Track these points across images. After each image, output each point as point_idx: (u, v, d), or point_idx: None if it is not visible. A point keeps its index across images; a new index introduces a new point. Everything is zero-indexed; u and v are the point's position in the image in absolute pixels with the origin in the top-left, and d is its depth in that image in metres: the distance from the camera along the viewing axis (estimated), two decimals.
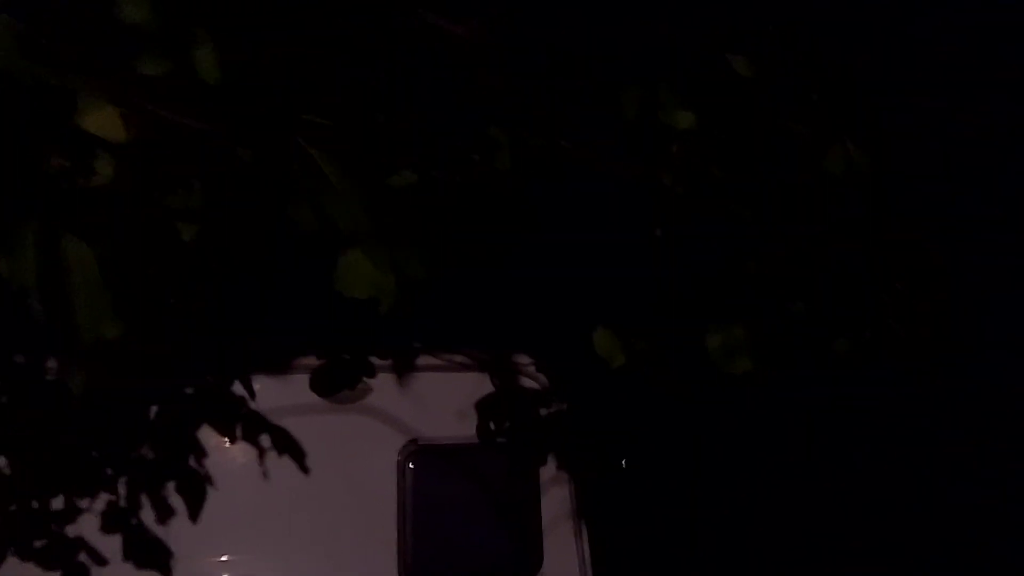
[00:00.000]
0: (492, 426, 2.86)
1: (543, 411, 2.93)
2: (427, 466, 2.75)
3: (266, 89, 1.65)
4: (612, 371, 2.53)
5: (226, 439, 2.66)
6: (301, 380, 2.68)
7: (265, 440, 2.69)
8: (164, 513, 2.53)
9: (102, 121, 1.51)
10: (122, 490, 2.54)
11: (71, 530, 2.49)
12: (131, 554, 2.51)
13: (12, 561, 2.43)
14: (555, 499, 2.86)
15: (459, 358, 2.87)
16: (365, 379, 2.74)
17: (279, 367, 2.69)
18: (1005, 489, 2.55)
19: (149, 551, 2.52)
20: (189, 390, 2.62)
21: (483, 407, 2.84)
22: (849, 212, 2.40)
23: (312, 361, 2.70)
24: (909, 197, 2.41)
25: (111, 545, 2.51)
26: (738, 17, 2.13)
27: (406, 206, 1.93)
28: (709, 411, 2.66)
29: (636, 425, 2.95)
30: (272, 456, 2.67)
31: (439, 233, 1.96)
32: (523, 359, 2.94)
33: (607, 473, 2.93)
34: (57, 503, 2.49)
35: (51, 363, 2.49)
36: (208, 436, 2.62)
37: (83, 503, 2.50)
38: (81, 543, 2.48)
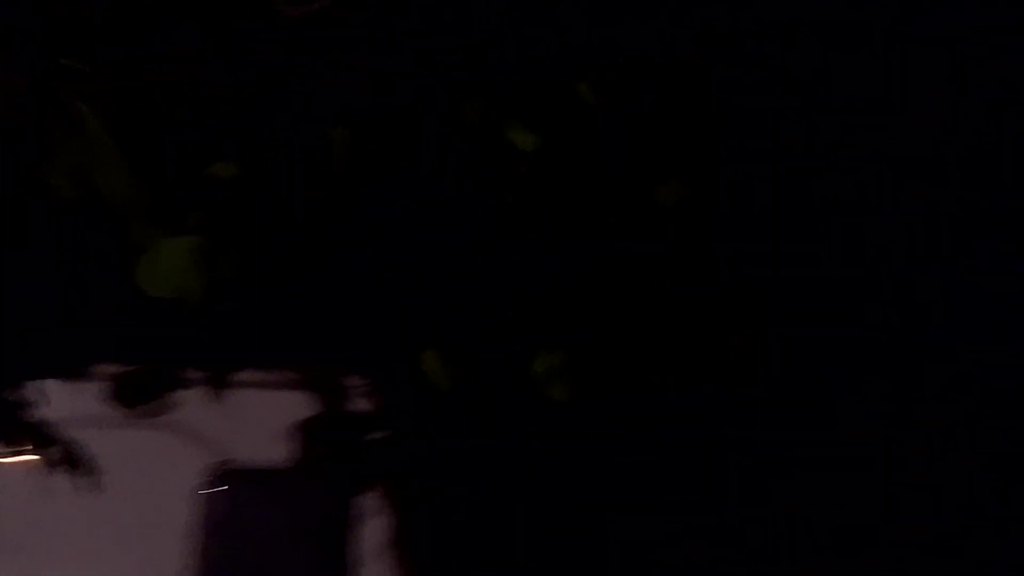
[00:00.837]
0: (310, 450, 2.66)
1: (372, 436, 2.75)
2: (233, 490, 2.52)
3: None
4: (442, 395, 2.41)
5: (8, 450, 2.37)
6: (96, 389, 2.42)
7: (54, 453, 2.41)
8: None
9: None
10: None
11: None
12: None
13: None
14: (374, 531, 2.68)
15: (280, 375, 2.66)
16: (168, 392, 2.51)
17: (75, 371, 2.42)
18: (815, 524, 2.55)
19: None
20: None
21: (302, 429, 2.65)
22: (680, 241, 2.38)
23: (111, 368, 2.45)
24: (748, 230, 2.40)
25: None
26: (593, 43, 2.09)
27: (221, 197, 1.75)
28: (534, 439, 2.56)
29: (468, 454, 2.80)
30: (60, 472, 2.40)
31: (256, 230, 1.80)
32: (354, 380, 2.76)
33: (434, 503, 2.77)
34: None
35: None
36: None
37: None
38: None
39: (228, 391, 2.60)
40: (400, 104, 2.00)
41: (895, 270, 2.53)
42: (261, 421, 2.62)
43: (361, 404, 2.77)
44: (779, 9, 2.48)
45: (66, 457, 2.40)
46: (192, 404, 2.55)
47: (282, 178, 1.85)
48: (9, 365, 2.31)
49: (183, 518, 2.47)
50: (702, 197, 2.18)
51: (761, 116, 2.40)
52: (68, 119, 1.36)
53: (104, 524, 2.38)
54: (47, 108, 1.33)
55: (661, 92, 2.15)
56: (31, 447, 2.39)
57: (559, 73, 2.04)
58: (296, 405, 2.69)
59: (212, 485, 2.52)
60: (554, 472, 2.62)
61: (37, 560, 2.40)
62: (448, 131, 2.02)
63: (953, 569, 2.50)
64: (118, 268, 2.33)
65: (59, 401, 2.43)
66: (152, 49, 1.70)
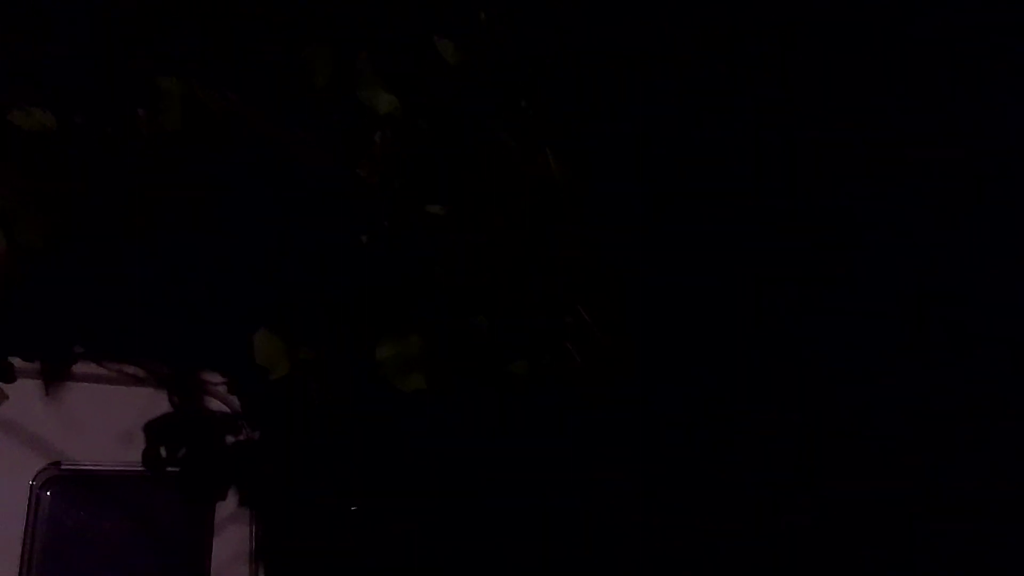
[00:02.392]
0: (163, 452, 2.42)
1: (229, 439, 2.53)
2: (69, 495, 2.27)
3: None
4: (275, 383, 2.23)
5: None
6: None
7: None
8: None
9: None
10: None
11: None
12: None
13: None
14: (231, 540, 2.45)
15: (131, 370, 2.43)
16: (1, 384, 2.26)
17: None
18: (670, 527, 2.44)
19: None
20: None
21: (154, 429, 2.41)
22: (547, 229, 2.25)
23: None
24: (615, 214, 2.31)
25: None
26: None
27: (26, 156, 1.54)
28: (400, 435, 2.39)
29: (334, 454, 2.60)
30: None
31: (71, 195, 1.59)
32: (213, 377, 2.54)
33: (295, 512, 2.56)
34: None
35: None
36: None
37: None
38: None
39: (63, 386, 2.36)
40: (243, 59, 1.83)
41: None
42: (101, 420, 2.38)
43: (214, 404, 2.55)
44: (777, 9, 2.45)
45: None
46: (21, 400, 2.30)
47: (101, 132, 1.65)
48: None
49: (14, 527, 2.21)
50: (570, 177, 2.05)
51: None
52: None
53: None
54: None
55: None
56: None
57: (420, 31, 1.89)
58: (149, 404, 2.45)
59: (45, 490, 2.27)
60: (418, 468, 2.46)
61: None
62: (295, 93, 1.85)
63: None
64: None
65: None
66: None
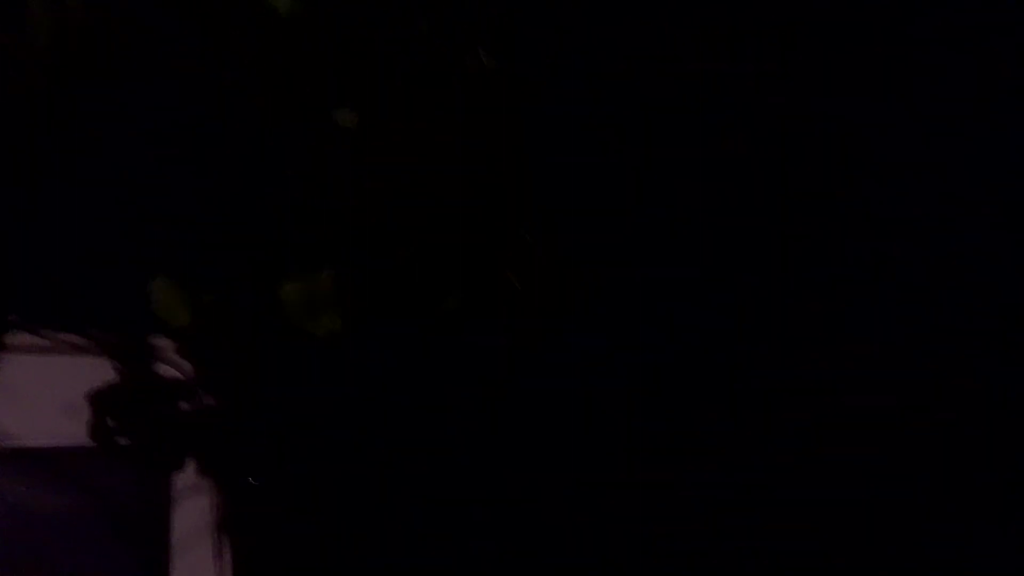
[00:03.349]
0: (111, 425, 2.29)
1: (184, 406, 2.34)
2: (10, 475, 2.21)
3: None
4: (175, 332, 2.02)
5: None
6: None
7: None
8: None
9: None
10: None
11: None
12: None
13: None
14: (191, 513, 2.31)
15: (70, 338, 2.28)
16: None
17: None
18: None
19: None
20: None
21: (99, 400, 2.27)
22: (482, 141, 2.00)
23: None
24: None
25: None
26: None
27: None
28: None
29: (298, 425, 2.35)
30: None
31: None
32: (162, 342, 2.33)
33: (259, 483, 2.36)
34: None
35: None
36: None
37: None
38: None
39: (0, 357, 2.26)
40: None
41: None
42: (39, 393, 2.27)
43: (165, 370, 2.35)
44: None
45: None
46: None
47: None
48: None
49: None
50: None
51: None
52: None
53: None
54: None
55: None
56: None
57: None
58: (93, 374, 2.31)
59: None
60: (340, 424, 2.21)
61: None
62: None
63: None
64: None
65: None
66: None
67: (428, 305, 2.01)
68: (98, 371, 2.28)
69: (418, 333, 2.08)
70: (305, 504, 2.41)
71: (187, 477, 2.34)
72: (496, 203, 1.92)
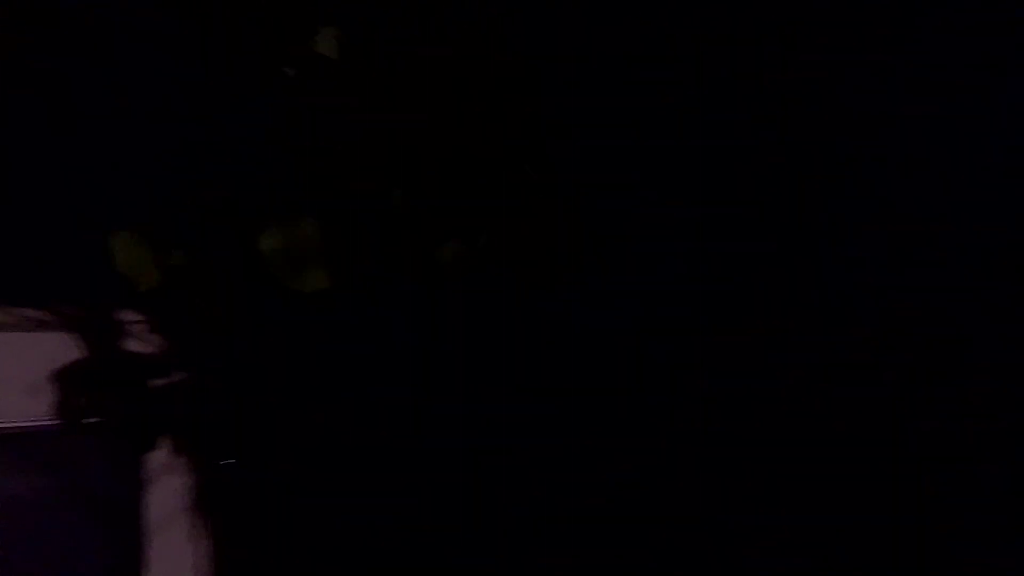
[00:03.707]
0: (77, 403, 2.18)
1: (156, 383, 2.23)
2: None
3: None
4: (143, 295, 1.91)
5: None
6: None
7: None
8: None
9: None
10: None
11: None
12: None
13: None
14: (166, 494, 2.21)
15: (32, 313, 2.16)
16: None
17: None
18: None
19: None
20: None
21: (65, 378, 2.16)
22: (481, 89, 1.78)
23: None
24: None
25: None
26: None
27: None
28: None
29: (276, 397, 2.25)
30: None
31: None
32: (129, 315, 2.22)
33: (231, 463, 2.26)
34: None
35: None
36: None
37: None
38: None
39: None
40: None
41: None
42: (7, 371, 2.15)
43: (134, 345, 2.24)
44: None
45: None
46: None
47: None
48: None
49: None
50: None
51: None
52: None
53: None
54: None
55: None
56: None
57: None
58: (57, 351, 2.20)
59: None
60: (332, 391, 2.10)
61: None
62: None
63: None
64: None
65: None
66: None
67: (424, 256, 1.81)
68: (63, 347, 2.17)
69: (413, 290, 1.95)
70: (283, 483, 2.32)
71: (160, 457, 2.24)
72: (501, 137, 1.74)
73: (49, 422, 2.15)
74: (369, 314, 2.00)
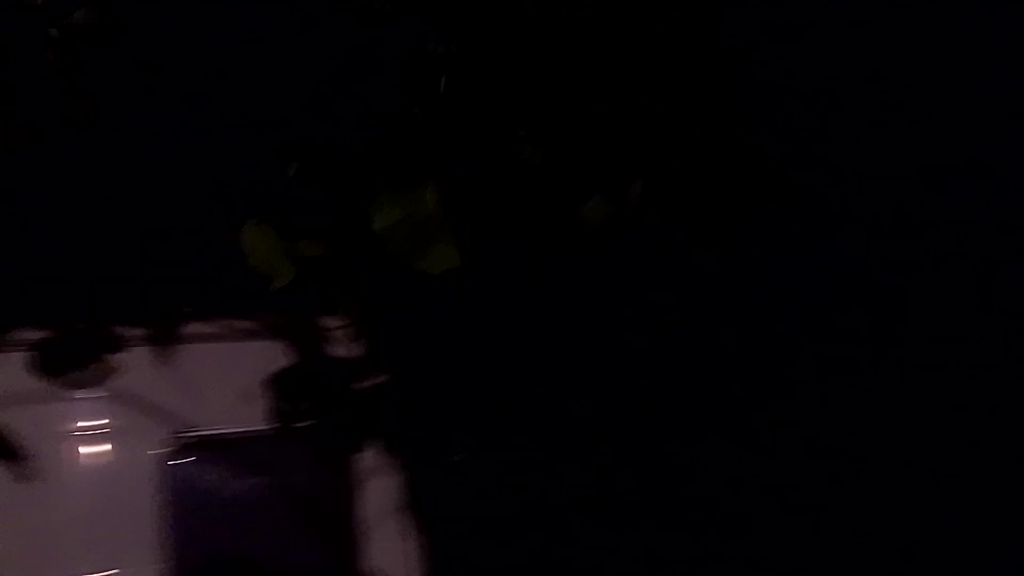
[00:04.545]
0: (288, 408, 2.23)
1: (358, 386, 2.29)
2: (197, 464, 2.14)
3: None
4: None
5: None
6: (17, 360, 2.08)
7: None
8: None
9: None
10: None
11: None
12: None
13: None
14: (376, 495, 2.23)
15: (241, 324, 2.24)
16: (107, 356, 2.14)
17: None
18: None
19: None
20: None
21: (275, 385, 2.22)
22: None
23: (32, 334, 2.10)
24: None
25: None
26: None
27: None
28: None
29: (478, 403, 2.30)
30: None
31: None
32: (330, 322, 2.31)
33: (443, 463, 2.29)
34: None
35: None
36: None
37: None
38: None
39: (176, 349, 2.21)
40: None
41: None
42: (217, 381, 2.21)
43: (337, 351, 2.31)
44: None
45: None
46: (135, 367, 2.17)
47: None
48: None
49: (142, 506, 2.10)
50: None
51: None
52: None
53: (38, 519, 2.05)
54: None
55: None
56: None
57: None
58: (266, 359, 2.26)
59: (169, 462, 2.14)
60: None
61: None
62: None
63: None
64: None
65: None
66: None
67: (563, 220, 1.52)
68: (272, 355, 2.24)
69: (556, 256, 1.76)
70: (493, 482, 2.32)
71: (368, 458, 2.28)
72: (678, 74, 1.42)
73: (262, 428, 2.20)
74: (514, 291, 1.86)
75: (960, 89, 2.13)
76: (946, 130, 2.17)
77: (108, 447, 2.08)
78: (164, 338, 2.16)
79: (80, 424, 2.08)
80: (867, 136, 2.09)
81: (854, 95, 2.06)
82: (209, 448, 2.14)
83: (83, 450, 2.06)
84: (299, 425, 2.23)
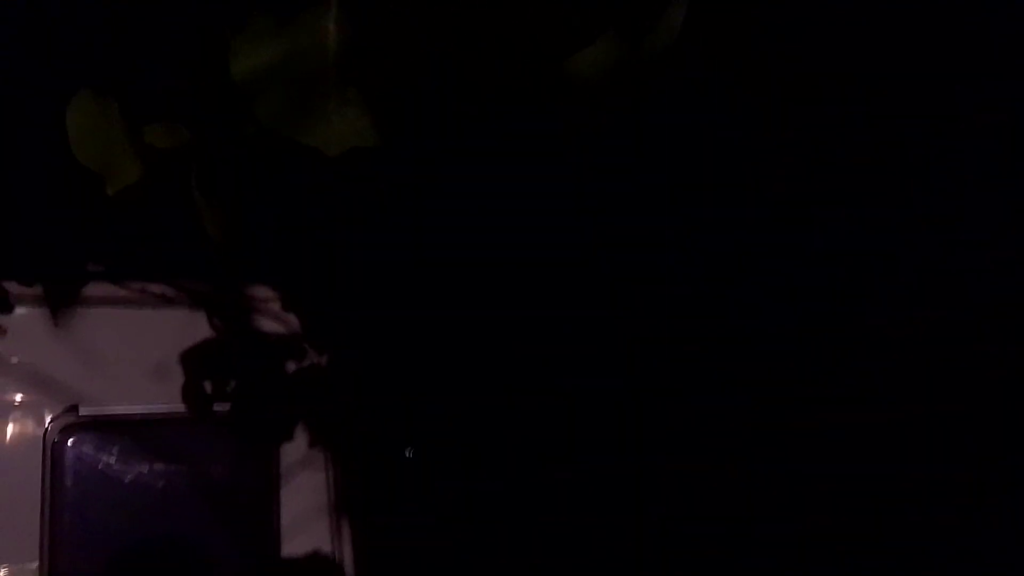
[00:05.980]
0: (207, 387, 1.95)
1: (291, 365, 2.02)
2: (93, 447, 1.83)
3: None
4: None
5: None
6: None
7: None
8: None
9: None
10: None
11: None
12: None
13: None
14: (304, 489, 1.96)
15: (156, 287, 1.95)
16: None
17: None
18: None
19: None
20: None
21: (193, 360, 1.93)
22: None
23: None
24: None
25: None
26: None
27: None
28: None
29: (427, 390, 2.04)
30: None
31: None
32: (262, 292, 2.02)
33: (386, 457, 2.03)
34: None
35: None
36: None
37: None
38: None
39: (74, 313, 1.91)
40: None
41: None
42: (125, 352, 1.91)
43: (266, 325, 2.03)
44: None
45: None
46: (23, 334, 1.86)
47: None
48: None
49: (29, 492, 1.80)
50: None
51: None
52: None
53: None
54: None
55: None
56: None
57: None
58: (185, 329, 1.97)
59: (62, 442, 1.84)
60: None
61: None
62: None
63: None
64: None
65: None
66: None
67: (546, 69, 1.00)
68: (190, 327, 1.96)
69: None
70: (433, 482, 2.08)
71: (297, 450, 2.00)
72: None
73: (176, 410, 1.91)
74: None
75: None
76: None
77: None
78: (63, 299, 1.86)
79: None
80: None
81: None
82: (112, 429, 1.85)
83: None
84: (219, 408, 1.95)
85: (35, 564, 1.74)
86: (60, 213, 1.84)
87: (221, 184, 1.16)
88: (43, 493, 1.77)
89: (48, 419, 1.81)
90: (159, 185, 1.17)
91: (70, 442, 1.82)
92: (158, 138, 1.17)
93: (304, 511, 1.97)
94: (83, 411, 1.83)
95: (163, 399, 1.89)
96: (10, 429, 1.80)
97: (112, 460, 1.85)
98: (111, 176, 1.17)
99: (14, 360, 1.81)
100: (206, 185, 1.18)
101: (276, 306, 2.02)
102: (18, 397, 1.81)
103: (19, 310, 1.82)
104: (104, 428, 1.85)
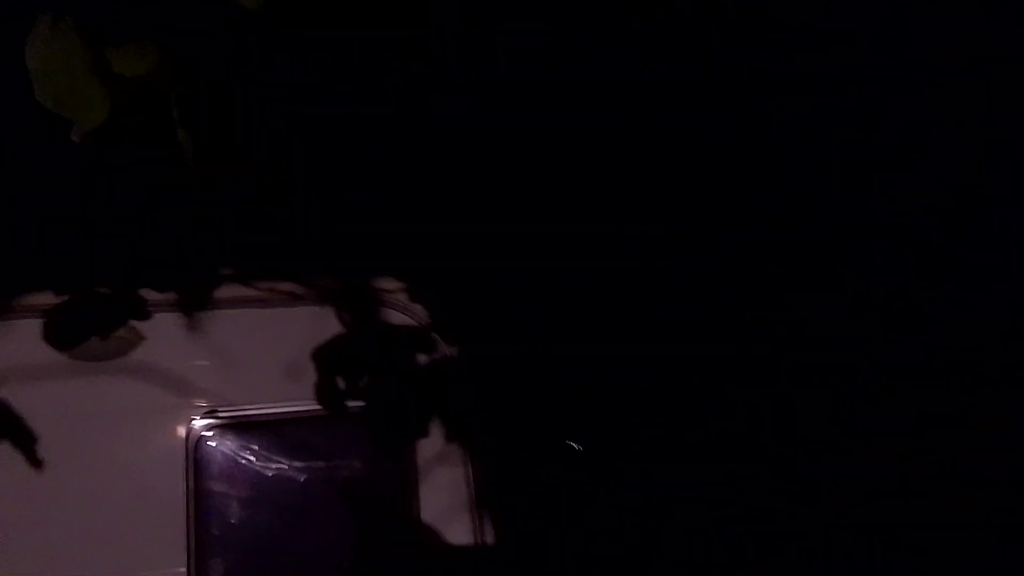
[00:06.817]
0: (340, 384, 1.92)
1: (422, 358, 1.97)
2: (233, 447, 1.83)
3: None
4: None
5: None
6: (30, 327, 1.81)
7: None
8: None
9: None
10: None
11: None
12: None
13: None
14: (442, 486, 1.90)
15: (287, 287, 1.93)
16: (132, 322, 1.84)
17: None
18: None
19: None
20: None
21: (324, 357, 1.91)
22: None
23: (46, 298, 1.82)
24: None
25: None
26: None
27: None
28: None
29: (571, 381, 1.96)
30: None
31: None
32: (389, 284, 1.98)
33: (543, 451, 1.95)
34: None
35: None
36: None
37: None
38: None
39: (208, 316, 1.91)
40: None
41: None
42: (258, 352, 1.90)
43: (395, 317, 1.99)
44: None
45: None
46: (160, 339, 1.87)
47: None
48: None
49: (172, 492, 1.80)
50: None
51: None
52: None
53: (54, 502, 1.76)
54: None
55: None
56: None
57: None
58: (314, 326, 1.95)
59: (202, 444, 1.83)
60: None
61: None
62: None
63: None
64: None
65: None
66: None
67: None
68: (320, 323, 1.92)
69: None
70: (567, 478, 1.98)
71: (433, 444, 1.94)
72: None
73: (310, 408, 1.88)
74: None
75: None
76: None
77: (132, 428, 1.78)
78: (196, 303, 1.86)
79: (100, 401, 1.78)
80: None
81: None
82: (248, 429, 1.83)
83: (104, 431, 1.77)
84: (353, 405, 1.91)
85: (183, 569, 1.73)
86: (186, 217, 1.84)
87: (215, 114, 1.03)
88: (187, 497, 1.76)
89: (188, 423, 1.81)
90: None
91: (212, 444, 1.81)
92: (127, 64, 1.00)
93: (444, 508, 1.90)
94: (222, 413, 1.82)
95: (297, 397, 1.87)
96: (150, 434, 1.81)
97: (253, 460, 1.83)
98: (78, 116, 1.02)
99: (152, 366, 1.82)
100: (191, 118, 1.02)
101: (403, 297, 1.97)
102: (155, 401, 1.82)
103: (156, 316, 1.83)
104: (243, 429, 1.83)
